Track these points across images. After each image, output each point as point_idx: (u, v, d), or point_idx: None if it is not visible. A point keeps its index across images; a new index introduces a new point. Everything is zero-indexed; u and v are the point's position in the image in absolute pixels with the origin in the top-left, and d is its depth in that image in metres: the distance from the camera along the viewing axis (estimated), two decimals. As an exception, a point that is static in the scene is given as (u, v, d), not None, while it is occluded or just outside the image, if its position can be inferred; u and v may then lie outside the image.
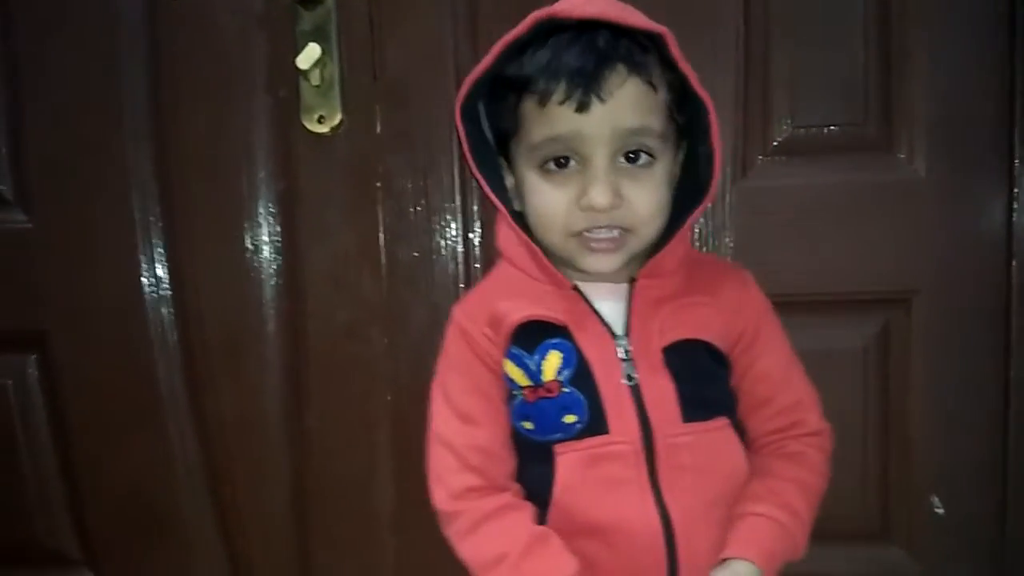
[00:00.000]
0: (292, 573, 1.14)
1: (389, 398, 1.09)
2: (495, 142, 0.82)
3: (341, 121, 1.06)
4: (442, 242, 1.07)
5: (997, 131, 0.98)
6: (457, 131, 0.79)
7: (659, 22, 1.00)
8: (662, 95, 0.74)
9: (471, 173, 0.81)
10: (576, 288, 0.79)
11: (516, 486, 0.80)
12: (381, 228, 1.07)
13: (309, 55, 1.01)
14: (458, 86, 1.01)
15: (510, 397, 0.79)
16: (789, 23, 1.01)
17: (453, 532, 0.79)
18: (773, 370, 0.82)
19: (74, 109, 1.10)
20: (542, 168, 0.75)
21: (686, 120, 0.77)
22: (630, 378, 0.76)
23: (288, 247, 1.10)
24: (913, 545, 1.08)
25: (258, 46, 1.07)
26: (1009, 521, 1.04)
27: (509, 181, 0.82)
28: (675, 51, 0.72)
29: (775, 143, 1.03)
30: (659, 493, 0.75)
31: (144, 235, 1.10)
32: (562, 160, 0.74)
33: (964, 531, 1.06)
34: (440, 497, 0.79)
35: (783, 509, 0.76)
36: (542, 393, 0.76)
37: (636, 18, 0.71)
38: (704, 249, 1.04)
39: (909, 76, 1.00)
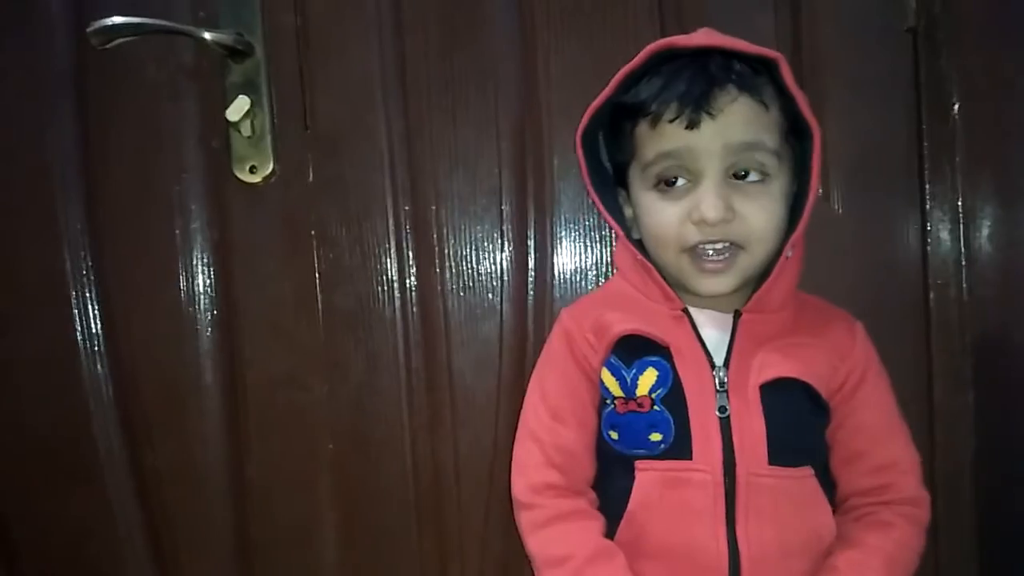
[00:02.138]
0: (235, 626, 1.16)
1: (330, 446, 1.12)
2: (614, 173, 0.87)
3: (273, 171, 1.10)
4: (379, 288, 1.11)
5: (908, 169, 1.05)
6: (578, 160, 0.85)
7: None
8: (775, 114, 0.78)
9: (590, 199, 0.87)
10: (685, 311, 0.82)
11: (592, 494, 0.83)
12: (317, 275, 1.11)
13: (239, 107, 1.05)
14: (388, 130, 1.10)
15: (603, 405, 0.83)
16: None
17: (525, 523, 0.82)
18: (872, 424, 0.83)
19: (2, 160, 1.13)
20: (656, 187, 0.79)
21: (802, 148, 0.80)
22: (723, 409, 0.78)
23: (224, 297, 1.13)
24: None
25: (188, 98, 1.11)
26: (940, 544, 1.09)
27: (628, 212, 0.86)
28: (787, 75, 0.76)
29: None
30: (732, 530, 0.76)
31: (77, 288, 1.13)
32: (674, 179, 0.78)
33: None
34: (520, 487, 0.83)
35: None
36: (632, 407, 0.79)
37: (746, 45, 0.76)
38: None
39: (823, 120, 1.03)
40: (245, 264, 1.12)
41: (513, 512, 0.85)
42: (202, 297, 1.13)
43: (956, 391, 1.06)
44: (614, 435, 0.81)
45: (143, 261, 1.13)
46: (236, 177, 1.10)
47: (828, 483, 0.83)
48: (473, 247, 1.10)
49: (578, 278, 1.10)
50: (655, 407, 0.78)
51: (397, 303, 1.11)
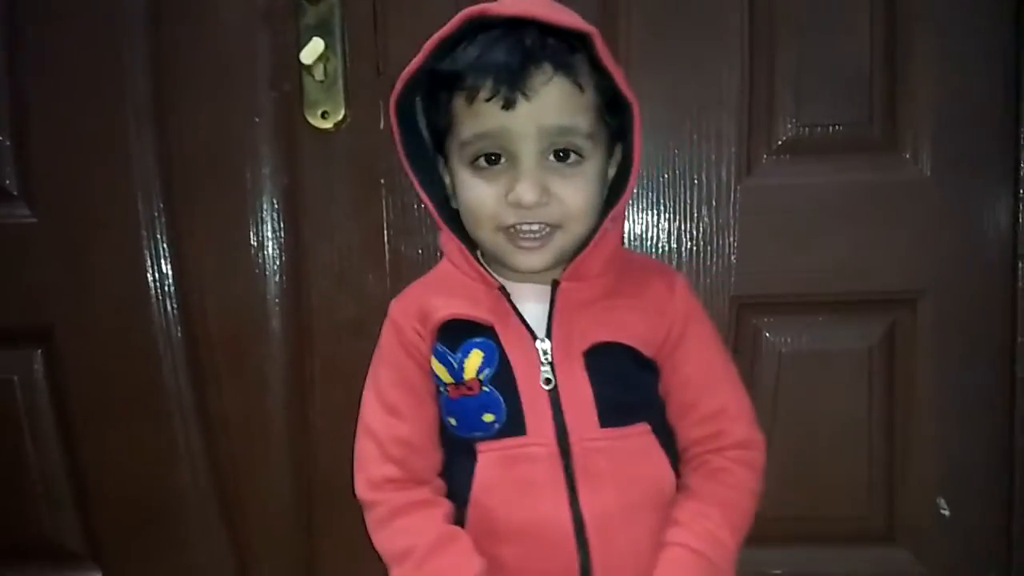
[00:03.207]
0: (298, 568, 1.18)
1: (393, 395, 1.13)
2: (432, 140, 0.86)
3: (345, 117, 1.10)
4: (445, 239, 1.12)
5: (1002, 131, 1.02)
6: (391, 132, 0.84)
7: (664, 22, 1.05)
8: (590, 96, 0.77)
9: (403, 170, 0.85)
10: (502, 289, 0.82)
11: (438, 482, 0.84)
12: (385, 224, 1.12)
13: (312, 50, 1.05)
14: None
15: (437, 392, 0.83)
16: (794, 21, 1.05)
17: (370, 521, 0.83)
18: (696, 375, 0.84)
19: (77, 104, 1.14)
20: (473, 164, 0.78)
21: (620, 122, 0.80)
22: (549, 381, 0.79)
23: (291, 243, 1.14)
24: (919, 547, 1.12)
25: (261, 41, 1.11)
26: (1015, 523, 1.08)
27: (447, 179, 0.85)
28: (603, 51, 0.75)
29: (779, 142, 1.07)
30: (575, 497, 0.77)
31: (148, 231, 1.15)
32: (492, 157, 0.77)
33: (970, 533, 1.10)
34: (361, 485, 0.84)
35: (707, 540, 0.78)
36: (463, 391, 0.80)
37: (565, 17, 0.74)
38: (708, 248, 1.08)
39: (914, 75, 1.04)
40: (314, 211, 1.13)
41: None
42: (270, 243, 1.14)
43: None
44: (452, 421, 0.82)
45: (214, 205, 1.14)
46: (308, 122, 1.10)
47: (668, 436, 0.85)
48: (543, 200, 1.09)
49: (647, 234, 1.09)
50: (484, 388, 0.79)
51: (464, 255, 1.11)
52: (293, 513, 1.18)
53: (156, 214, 1.15)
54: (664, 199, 1.09)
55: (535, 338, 0.80)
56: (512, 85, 0.73)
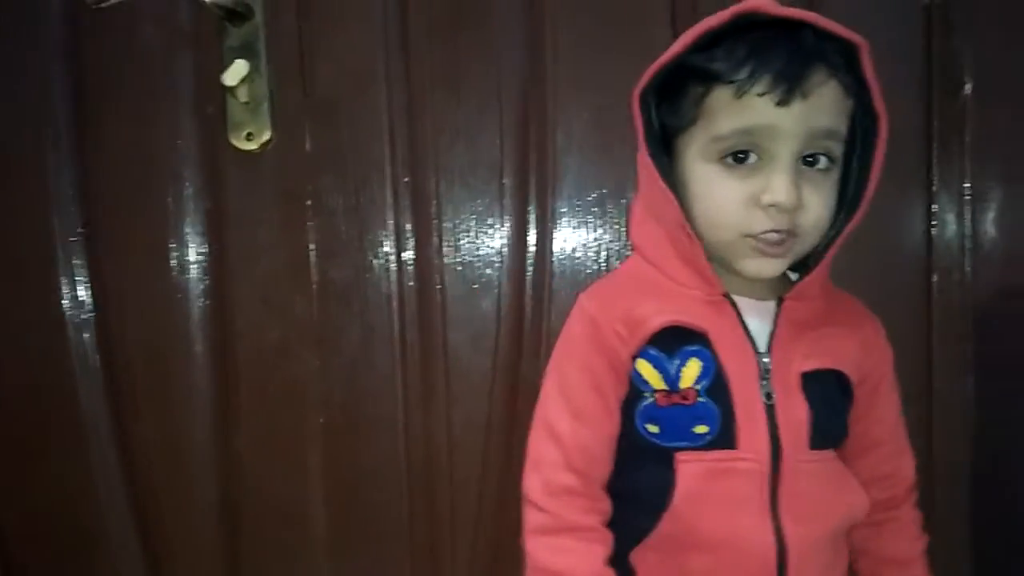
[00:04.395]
0: (221, 600, 1.16)
1: (322, 420, 1.12)
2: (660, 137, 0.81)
3: (270, 138, 1.09)
4: (375, 260, 1.11)
5: (916, 151, 1.06)
6: (632, 120, 0.79)
7: (591, 43, 1.08)
8: (851, 103, 0.76)
9: (646, 163, 0.78)
10: (727, 296, 0.80)
11: (607, 503, 0.81)
12: (312, 246, 1.11)
13: (236, 71, 1.05)
14: (389, 99, 1.10)
15: (636, 399, 0.79)
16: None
17: (532, 523, 0.80)
18: (888, 416, 0.86)
19: (-6, 123, 1.12)
20: (721, 161, 0.75)
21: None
22: (767, 397, 0.77)
23: (216, 266, 1.13)
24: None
25: (184, 62, 1.11)
26: (936, 529, 1.10)
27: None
28: (868, 63, 0.74)
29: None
30: (777, 517, 0.76)
31: (65, 255, 1.12)
32: (742, 155, 0.74)
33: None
34: (535, 487, 0.80)
35: None
36: (676, 399, 0.77)
37: (836, 26, 0.74)
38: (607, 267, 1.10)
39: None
40: (239, 233, 1.12)
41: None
42: (194, 266, 1.13)
43: (957, 375, 1.07)
44: (654, 428, 0.79)
45: (135, 229, 1.13)
46: (232, 144, 1.10)
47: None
48: (472, 221, 1.11)
49: (578, 255, 1.10)
50: (700, 399, 0.77)
51: (393, 276, 1.11)
52: (218, 544, 1.15)
53: (74, 238, 1.13)
54: (595, 217, 1.10)
55: (757, 352, 0.78)
56: (792, 82, 0.71)
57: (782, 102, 0.71)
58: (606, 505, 0.81)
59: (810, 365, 0.79)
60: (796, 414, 0.77)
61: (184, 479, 1.15)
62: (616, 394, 0.80)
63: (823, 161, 0.75)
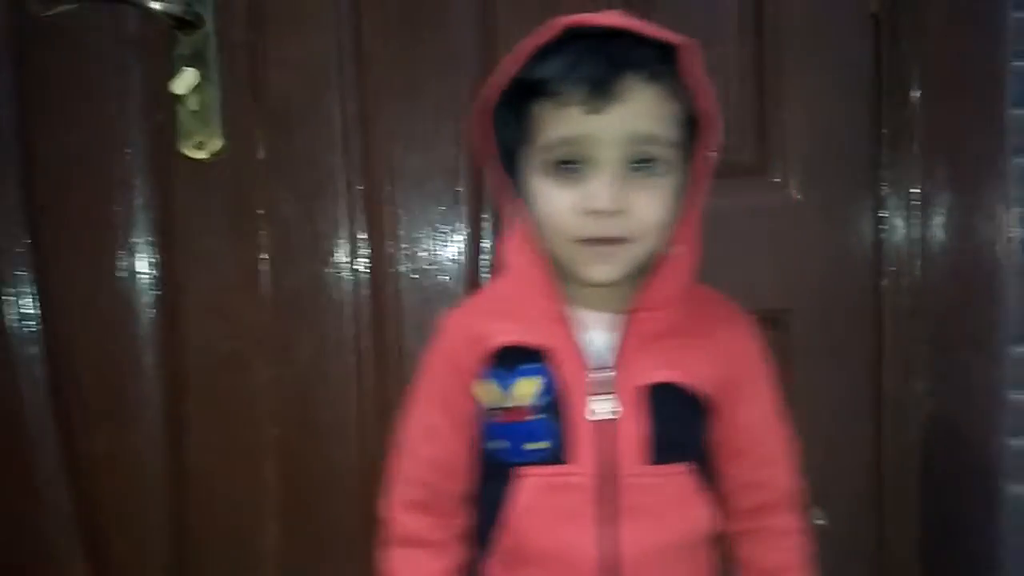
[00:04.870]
0: (171, 617, 1.14)
1: (276, 432, 1.11)
2: (504, 152, 0.83)
3: (221, 147, 1.08)
4: (329, 269, 1.10)
5: (865, 158, 1.08)
6: (475, 140, 0.82)
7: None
8: (676, 106, 0.77)
9: (491, 182, 0.83)
10: (569, 312, 0.81)
11: (459, 519, 0.84)
12: (265, 256, 1.10)
13: (185, 80, 1.04)
14: (343, 108, 1.09)
15: (483, 415, 0.82)
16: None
17: (387, 536, 0.83)
18: (755, 423, 0.85)
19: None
20: (551, 171, 0.76)
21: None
22: (606, 412, 0.78)
23: (167, 277, 1.11)
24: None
25: (133, 70, 1.09)
26: (887, 527, 1.13)
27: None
28: (697, 64, 0.75)
29: (656, 167, 1.11)
30: (615, 531, 0.77)
31: (8, 266, 1.10)
32: (571, 164, 0.76)
33: (846, 541, 1.12)
34: (389, 500, 0.84)
35: None
36: (514, 416, 0.79)
37: (657, 29, 0.75)
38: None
39: (782, 105, 1.09)
40: (190, 243, 1.11)
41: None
42: (144, 277, 1.11)
43: (907, 378, 1.09)
44: (497, 445, 0.81)
45: (83, 239, 1.11)
46: (182, 153, 1.09)
47: (709, 477, 0.85)
48: (427, 229, 1.10)
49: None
50: (536, 415, 0.79)
51: (348, 285, 1.11)
52: (167, 557, 1.13)
53: (19, 249, 1.10)
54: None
55: (597, 368, 0.79)
56: (603, 89, 0.72)
57: (595, 110, 0.73)
58: (460, 520, 0.84)
59: (657, 378, 0.79)
60: (636, 428, 0.78)
61: (133, 493, 1.13)
62: (466, 411, 0.82)
63: (651, 166, 0.76)
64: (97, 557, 1.14)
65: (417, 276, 1.11)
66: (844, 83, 1.08)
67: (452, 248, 1.11)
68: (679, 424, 0.80)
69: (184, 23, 1.06)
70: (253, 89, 1.09)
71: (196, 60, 1.07)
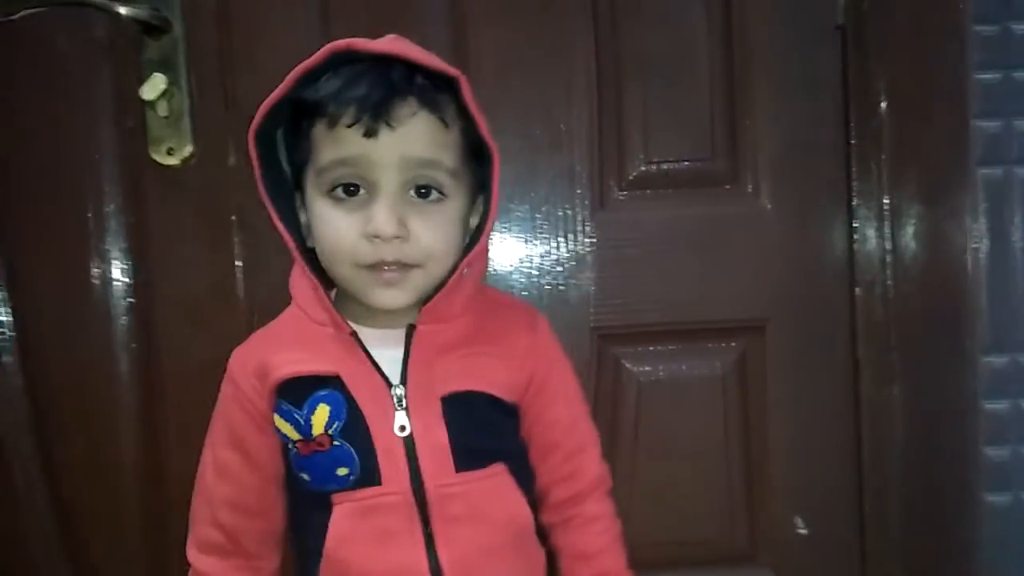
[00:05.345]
0: (150, 625, 1.14)
1: (251, 439, 1.12)
2: (291, 173, 0.83)
3: (192, 153, 1.08)
4: (302, 275, 1.11)
5: (836, 166, 1.10)
6: (249, 160, 0.79)
7: (512, 63, 1.08)
8: (455, 134, 0.78)
9: (263, 203, 0.80)
10: (354, 334, 0.80)
11: (266, 557, 0.84)
12: (238, 262, 1.10)
13: (154, 86, 1.03)
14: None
15: (286, 449, 0.81)
16: (638, 64, 1.11)
17: None
18: (561, 418, 0.86)
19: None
20: (331, 195, 0.76)
21: (483, 171, 0.81)
22: (404, 428, 0.78)
23: (139, 284, 1.11)
24: (780, 565, 1.16)
25: (102, 75, 1.09)
26: (867, 535, 1.15)
27: (303, 217, 0.82)
28: (467, 95, 0.76)
29: (630, 177, 1.12)
30: (432, 544, 0.77)
31: (-19, 275, 1.10)
32: (351, 188, 0.76)
33: (826, 549, 1.16)
34: (189, 543, 0.84)
35: None
36: (314, 447, 0.78)
37: (431, 59, 0.76)
38: (569, 282, 1.11)
39: (753, 114, 1.10)
40: (162, 250, 1.10)
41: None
42: (116, 284, 1.11)
43: (882, 386, 1.10)
44: (305, 476, 0.80)
45: (54, 247, 1.10)
46: (152, 159, 1.08)
47: (527, 474, 0.86)
48: (400, 236, 1.11)
49: (508, 269, 1.11)
50: (335, 442, 0.78)
51: (321, 291, 1.11)
52: (145, 564, 1.13)
53: (-10, 256, 1.10)
54: (524, 234, 1.11)
55: (389, 384, 0.79)
56: (376, 113, 0.72)
57: (368, 132, 0.73)
58: (265, 562, 0.84)
59: (450, 388, 0.79)
60: (435, 440, 0.78)
61: (110, 500, 1.13)
62: (263, 447, 0.81)
63: (434, 194, 0.77)
64: (77, 563, 1.14)
65: (391, 283, 1.11)
66: (813, 94, 1.10)
67: (425, 255, 1.11)
68: (479, 431, 0.80)
69: (152, 28, 1.05)
70: (223, 94, 1.09)
71: (165, 65, 1.07)
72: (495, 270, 1.11)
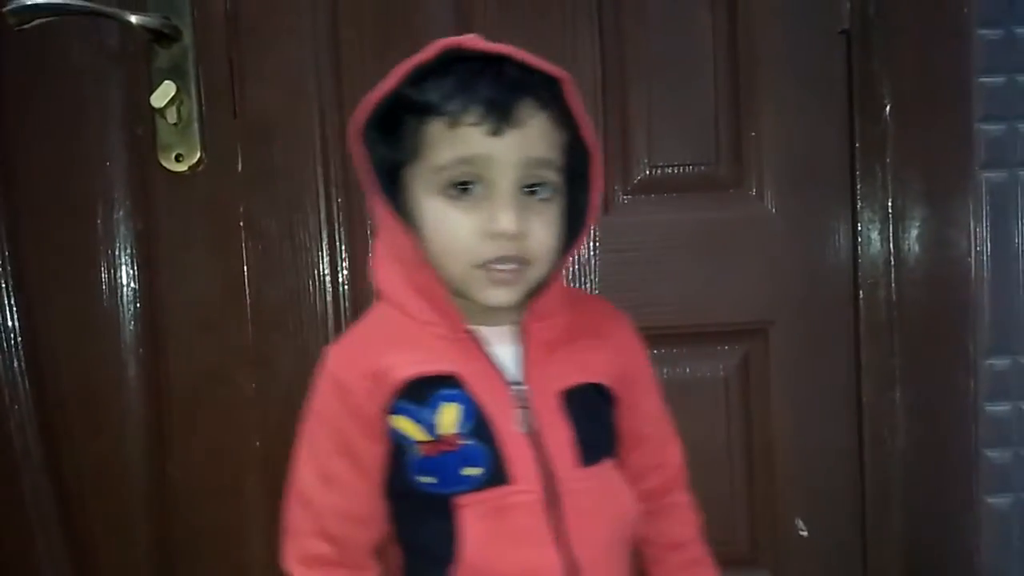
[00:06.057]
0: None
1: (258, 444, 1.12)
2: (384, 173, 0.81)
3: (200, 159, 1.10)
4: (310, 282, 1.12)
5: (840, 169, 1.11)
6: (353, 159, 0.79)
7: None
8: (562, 135, 0.78)
9: (371, 202, 0.79)
10: (469, 332, 0.79)
11: (372, 567, 0.81)
12: (245, 268, 1.11)
13: (164, 93, 1.05)
14: (322, 121, 1.11)
15: (401, 452, 0.78)
16: (643, 69, 1.12)
17: None
18: (651, 408, 0.89)
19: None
20: (445, 192, 0.75)
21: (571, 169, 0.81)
22: (528, 425, 0.77)
23: (147, 290, 1.12)
24: (780, 568, 1.17)
25: (113, 83, 1.10)
26: (869, 538, 1.16)
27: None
28: (572, 96, 0.76)
29: (635, 181, 1.14)
30: (563, 541, 0.77)
31: (-9, 281, 1.11)
32: (465, 185, 0.75)
33: (827, 551, 1.17)
34: (290, 558, 0.80)
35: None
36: (442, 447, 0.76)
37: (539, 60, 0.76)
38: (574, 285, 1.12)
39: (757, 118, 1.12)
40: (170, 256, 1.12)
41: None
42: (125, 290, 1.12)
43: (884, 389, 1.12)
44: (428, 479, 0.77)
45: (63, 253, 1.12)
46: (161, 166, 1.10)
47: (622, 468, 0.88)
48: (408, 241, 1.12)
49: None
50: (464, 441, 0.76)
51: (329, 297, 1.12)
52: (153, 570, 1.14)
53: (0, 263, 1.11)
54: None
55: (509, 383, 0.78)
56: (502, 113, 0.72)
57: (495, 131, 0.73)
58: (370, 572, 0.81)
59: (567, 383, 0.80)
60: (560, 436, 0.78)
61: (118, 506, 1.14)
62: (371, 453, 0.78)
63: (543, 191, 0.77)
64: (83, 569, 1.15)
65: (398, 288, 1.12)
66: (818, 99, 1.11)
67: (432, 260, 1.12)
68: (596, 424, 0.81)
69: (163, 36, 1.07)
70: (232, 102, 1.10)
71: (175, 73, 1.08)
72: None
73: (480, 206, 0.75)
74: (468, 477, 0.76)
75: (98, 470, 1.13)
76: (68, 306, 1.12)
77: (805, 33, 1.09)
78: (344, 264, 1.12)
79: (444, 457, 0.76)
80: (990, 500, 1.07)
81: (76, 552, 1.15)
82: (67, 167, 1.11)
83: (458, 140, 0.73)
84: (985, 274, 1.05)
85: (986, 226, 1.04)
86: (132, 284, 1.12)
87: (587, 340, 0.83)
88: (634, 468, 0.87)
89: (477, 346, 0.79)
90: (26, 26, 0.99)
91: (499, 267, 0.76)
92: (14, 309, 1.12)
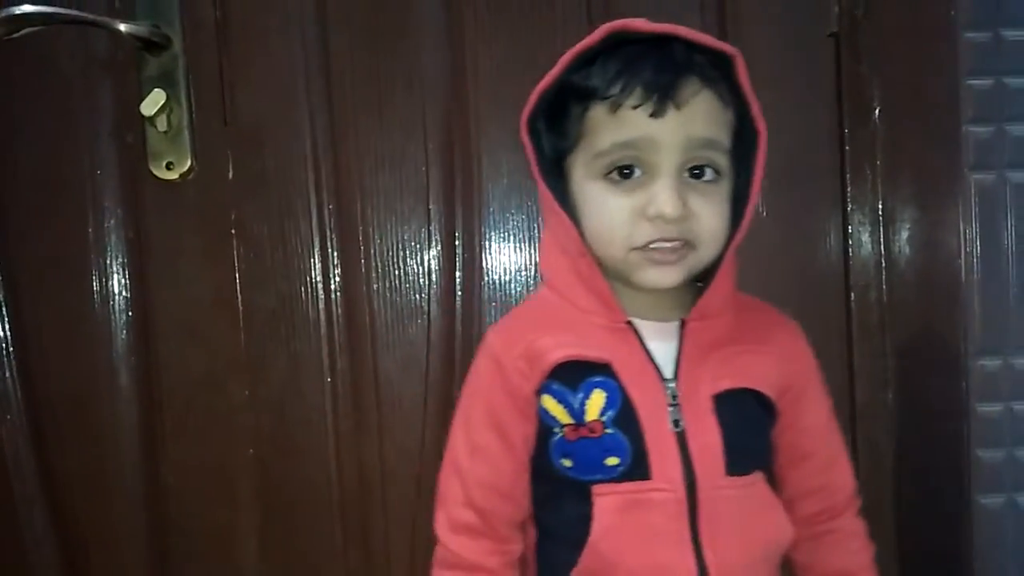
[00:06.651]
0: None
1: (251, 452, 1.13)
2: (551, 162, 0.81)
3: (191, 167, 1.10)
4: (302, 288, 1.12)
5: (831, 173, 1.11)
6: (524, 149, 0.79)
7: (509, 74, 1.11)
8: (730, 114, 0.76)
9: (542, 190, 0.79)
10: (629, 323, 0.79)
11: (515, 543, 0.81)
12: (237, 275, 1.12)
13: (153, 101, 1.05)
14: (313, 127, 1.11)
15: (548, 434, 0.78)
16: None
17: (436, 557, 0.81)
18: (817, 425, 0.85)
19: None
20: (606, 177, 0.75)
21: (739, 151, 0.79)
22: (676, 423, 0.76)
23: (139, 298, 1.13)
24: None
25: (103, 91, 1.11)
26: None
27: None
28: (742, 73, 0.75)
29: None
30: (698, 546, 0.75)
31: (-18, 290, 1.12)
32: (627, 170, 0.74)
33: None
34: (440, 521, 0.81)
35: None
36: (584, 432, 0.76)
37: (707, 38, 0.75)
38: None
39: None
40: (162, 264, 1.12)
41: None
42: (117, 298, 1.13)
43: (876, 391, 1.12)
44: (567, 463, 0.78)
45: (54, 261, 1.12)
46: (152, 174, 1.10)
47: (771, 484, 0.85)
48: (399, 247, 1.12)
49: (507, 279, 1.13)
50: (607, 430, 0.76)
51: (321, 304, 1.13)
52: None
53: (-10, 272, 1.12)
54: (522, 242, 1.13)
55: (663, 378, 0.77)
56: (663, 93, 0.71)
57: (656, 113, 0.72)
58: (515, 545, 0.81)
59: (721, 387, 0.78)
60: (708, 439, 0.77)
61: (111, 514, 1.14)
62: (521, 431, 0.79)
63: (709, 172, 0.75)
64: (75, 577, 1.16)
65: (389, 294, 1.13)
66: (806, 101, 1.11)
67: (425, 265, 1.13)
68: (748, 432, 0.79)
69: (152, 44, 1.07)
70: (222, 109, 1.11)
71: (164, 81, 1.09)
72: (493, 279, 1.13)
73: (640, 189, 0.74)
74: (607, 466, 0.76)
75: (90, 478, 1.14)
76: (59, 314, 1.13)
77: (793, 36, 1.10)
78: (336, 270, 1.13)
79: (584, 442, 0.77)
80: (982, 500, 1.08)
81: (68, 560, 1.15)
82: (57, 176, 1.12)
83: (619, 124, 0.73)
84: (975, 275, 1.06)
85: (975, 227, 1.05)
86: (123, 292, 1.13)
87: (750, 345, 0.81)
88: (793, 488, 0.85)
89: (635, 338, 0.78)
90: (16, 35, 0.99)
91: (658, 247, 0.75)
92: (5, 317, 1.12)
